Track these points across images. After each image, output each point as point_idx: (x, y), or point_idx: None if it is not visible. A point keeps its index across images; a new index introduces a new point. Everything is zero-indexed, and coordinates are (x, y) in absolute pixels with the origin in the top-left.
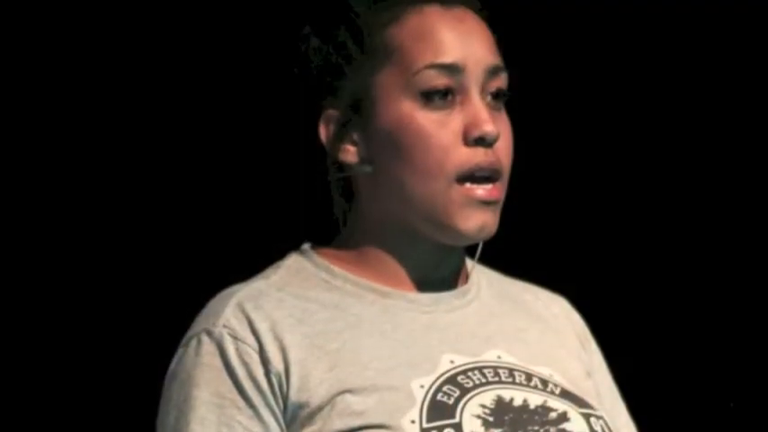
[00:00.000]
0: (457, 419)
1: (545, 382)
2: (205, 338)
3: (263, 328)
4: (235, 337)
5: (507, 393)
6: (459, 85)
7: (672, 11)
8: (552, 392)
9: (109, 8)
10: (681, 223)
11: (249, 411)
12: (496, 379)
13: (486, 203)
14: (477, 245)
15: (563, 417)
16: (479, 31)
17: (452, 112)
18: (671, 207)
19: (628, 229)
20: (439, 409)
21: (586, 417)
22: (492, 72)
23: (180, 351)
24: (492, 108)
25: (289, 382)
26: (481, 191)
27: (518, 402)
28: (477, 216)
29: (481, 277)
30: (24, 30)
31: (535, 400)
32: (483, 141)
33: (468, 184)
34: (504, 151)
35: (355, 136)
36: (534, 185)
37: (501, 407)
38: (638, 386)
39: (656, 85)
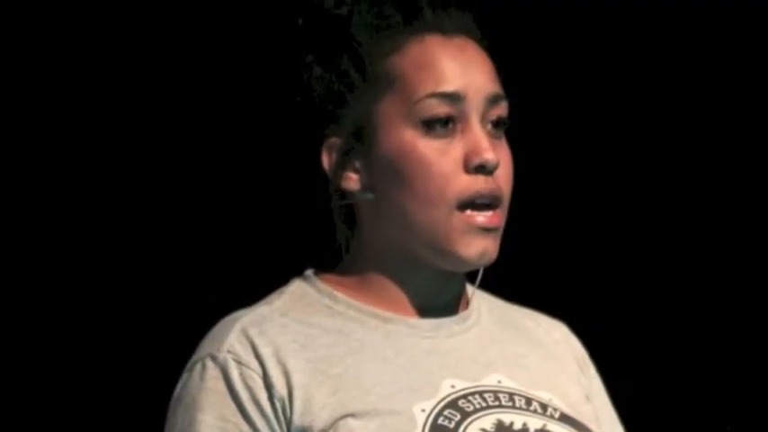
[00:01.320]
0: None
1: (544, 407)
2: (209, 363)
3: (266, 352)
4: (239, 362)
5: (507, 417)
6: (459, 113)
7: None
8: (552, 417)
9: (118, 33)
10: (680, 246)
11: None
12: (497, 403)
13: (486, 230)
14: (477, 271)
15: None
16: (480, 60)
17: (453, 141)
18: (671, 231)
19: (627, 255)
20: None
21: None
22: (492, 100)
23: (184, 375)
24: (492, 136)
25: (292, 406)
26: (482, 218)
27: (518, 426)
28: (477, 243)
29: (482, 303)
30: (27, 30)
31: (535, 423)
32: (483, 169)
33: (468, 211)
34: (504, 178)
35: (357, 164)
36: (534, 212)
37: (501, 431)
38: (636, 410)
39: (656, 115)
